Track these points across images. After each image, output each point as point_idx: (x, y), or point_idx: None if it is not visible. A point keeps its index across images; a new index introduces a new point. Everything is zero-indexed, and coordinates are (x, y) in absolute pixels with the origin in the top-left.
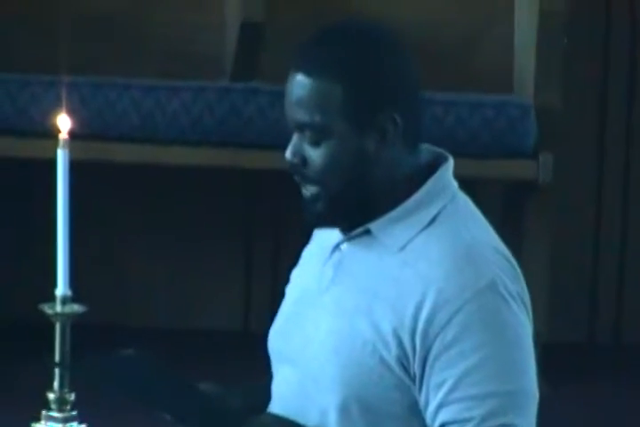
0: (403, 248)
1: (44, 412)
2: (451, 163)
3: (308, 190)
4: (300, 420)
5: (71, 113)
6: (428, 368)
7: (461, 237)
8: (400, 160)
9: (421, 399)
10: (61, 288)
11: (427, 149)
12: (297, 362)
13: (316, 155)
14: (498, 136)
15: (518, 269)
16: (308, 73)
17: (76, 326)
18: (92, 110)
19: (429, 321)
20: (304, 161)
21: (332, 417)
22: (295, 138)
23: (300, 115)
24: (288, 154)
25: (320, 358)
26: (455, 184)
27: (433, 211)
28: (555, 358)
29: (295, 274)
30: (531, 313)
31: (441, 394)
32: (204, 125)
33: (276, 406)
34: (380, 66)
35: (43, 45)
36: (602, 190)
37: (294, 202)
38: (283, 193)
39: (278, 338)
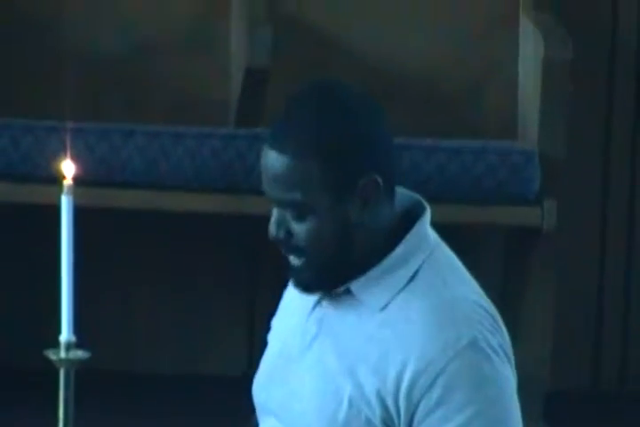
0: (384, 308)
1: None
2: (428, 214)
3: (295, 261)
4: None
5: (75, 159)
6: None
7: (441, 295)
8: (382, 216)
9: None
10: (65, 334)
11: (402, 194)
12: (281, 416)
13: (301, 229)
14: (501, 183)
15: (499, 320)
16: (280, 151)
17: (80, 371)
18: (96, 156)
19: (412, 384)
20: (289, 234)
21: None
22: (276, 212)
23: (280, 193)
24: (272, 230)
25: (306, 416)
26: (433, 235)
27: (412, 268)
28: (558, 405)
29: (276, 321)
30: (513, 362)
31: None
32: (209, 172)
33: None
34: (352, 135)
35: (46, 91)
36: (605, 237)
37: None
38: None
39: (261, 391)
